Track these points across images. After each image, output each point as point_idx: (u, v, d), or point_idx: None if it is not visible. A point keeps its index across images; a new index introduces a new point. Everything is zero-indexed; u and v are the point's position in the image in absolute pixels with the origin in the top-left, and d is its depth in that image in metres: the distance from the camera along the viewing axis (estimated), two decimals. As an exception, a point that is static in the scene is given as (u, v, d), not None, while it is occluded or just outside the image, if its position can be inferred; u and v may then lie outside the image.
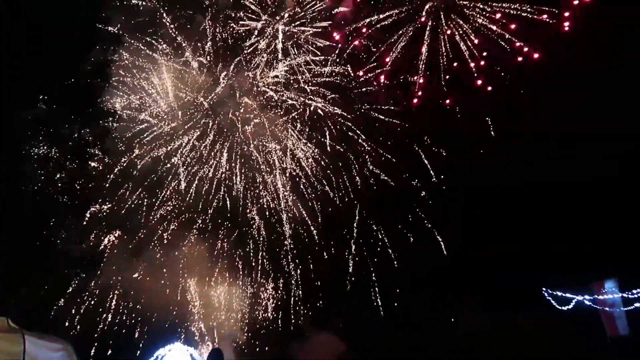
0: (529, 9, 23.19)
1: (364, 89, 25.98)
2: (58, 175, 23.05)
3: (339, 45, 25.03)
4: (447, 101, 25.27)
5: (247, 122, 26.32)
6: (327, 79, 25.87)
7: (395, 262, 26.50)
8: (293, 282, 27.31)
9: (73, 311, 23.63)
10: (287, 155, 26.30)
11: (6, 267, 17.10)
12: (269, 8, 25.20)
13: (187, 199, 26.11)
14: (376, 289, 27.06)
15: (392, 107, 25.73)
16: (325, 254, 26.92)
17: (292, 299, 27.36)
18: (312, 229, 26.60)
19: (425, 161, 25.91)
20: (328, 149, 26.07)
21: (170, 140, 25.90)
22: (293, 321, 27.36)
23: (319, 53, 25.44)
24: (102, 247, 24.94)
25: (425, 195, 26.34)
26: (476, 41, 24.00)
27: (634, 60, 22.11)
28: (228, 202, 26.47)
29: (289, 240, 26.88)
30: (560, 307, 24.56)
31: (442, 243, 26.31)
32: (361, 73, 25.42)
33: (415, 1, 24.09)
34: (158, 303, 25.38)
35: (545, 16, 23.14)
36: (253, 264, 27.28)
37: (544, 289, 24.88)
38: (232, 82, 25.87)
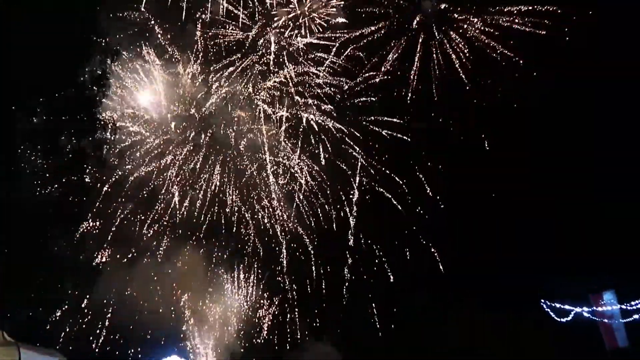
0: (521, 21, 23.95)
1: (356, 101, 26.72)
2: (54, 187, 23.42)
3: (332, 57, 25.79)
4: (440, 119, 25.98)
5: (241, 135, 26.97)
6: (320, 91, 26.61)
7: (391, 275, 27.07)
8: (289, 295, 27.90)
9: (69, 323, 23.98)
10: (279, 166, 26.97)
11: (6, 266, 17.42)
12: (261, 19, 25.92)
13: (181, 213, 26.72)
14: (373, 304, 27.74)
15: (386, 119, 26.38)
16: (320, 263, 27.52)
17: (289, 311, 27.94)
18: (307, 239, 27.23)
19: (419, 173, 26.48)
20: (322, 161, 26.75)
21: (164, 153, 26.53)
22: (290, 332, 27.94)
23: (311, 64, 26.27)
24: (98, 260, 25.34)
25: (421, 210, 26.89)
26: (469, 54, 24.72)
27: (632, 70, 22.76)
28: (222, 217, 27.10)
29: (284, 245, 27.48)
30: (559, 319, 25.03)
31: (438, 259, 26.92)
32: (354, 85, 26.11)
33: (405, 14, 24.80)
34: (154, 316, 25.85)
35: (542, 31, 23.88)
36: (249, 276, 27.90)
37: (542, 300, 25.36)
38: (225, 94, 26.54)
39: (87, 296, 24.29)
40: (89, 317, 24.60)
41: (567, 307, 24.89)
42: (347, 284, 27.41)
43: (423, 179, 26.59)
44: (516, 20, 23.90)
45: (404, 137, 26.44)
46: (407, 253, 27.19)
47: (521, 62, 24.18)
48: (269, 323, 28.00)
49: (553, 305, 25.12)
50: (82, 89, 21.44)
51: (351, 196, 27.00)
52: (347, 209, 27.08)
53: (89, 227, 24.78)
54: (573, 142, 24.92)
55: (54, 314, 23.21)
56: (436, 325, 26.43)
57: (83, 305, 24.24)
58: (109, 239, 25.42)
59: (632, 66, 22.53)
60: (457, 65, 25.00)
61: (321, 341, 27.39)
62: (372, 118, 26.75)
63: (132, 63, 25.90)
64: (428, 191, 26.52)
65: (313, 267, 27.35)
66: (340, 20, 25.47)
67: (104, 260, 25.32)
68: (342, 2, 25.28)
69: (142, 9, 25.34)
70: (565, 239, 24.62)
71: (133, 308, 25.45)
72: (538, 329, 24.96)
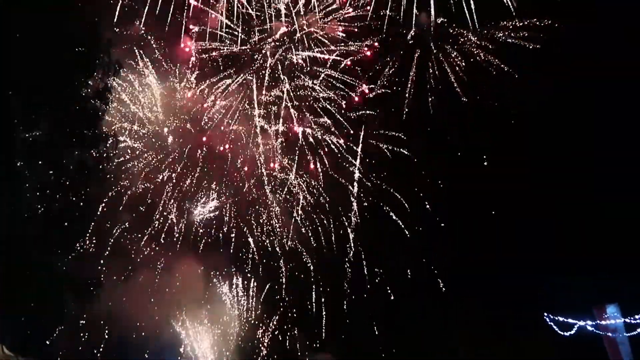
0: (517, 35, 24.67)
1: (354, 114, 27.46)
2: (55, 200, 24.00)
3: (329, 70, 26.59)
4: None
5: (237, 149, 27.77)
6: (317, 104, 27.40)
7: (391, 290, 27.68)
8: (288, 311, 28.62)
9: (68, 337, 24.31)
10: (277, 181, 27.71)
11: (6, 279, 17.97)
12: (258, 34, 26.78)
13: (180, 230, 27.49)
14: (374, 314, 28.31)
15: (383, 132, 27.07)
16: (320, 278, 28.23)
17: (289, 327, 28.60)
18: (306, 254, 27.95)
19: (417, 185, 27.17)
20: (320, 175, 27.48)
21: (160, 168, 27.30)
22: (289, 348, 28.53)
23: (308, 78, 27.06)
24: (97, 274, 25.91)
25: (420, 228, 27.53)
26: (465, 67, 25.43)
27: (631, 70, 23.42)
28: (220, 232, 27.90)
29: (283, 261, 28.21)
30: (562, 333, 25.45)
31: (436, 271, 27.51)
32: (350, 98, 26.87)
33: (401, 28, 25.59)
34: (153, 332, 26.67)
35: (538, 44, 24.59)
36: (248, 292, 28.57)
37: (545, 314, 25.83)
38: (222, 108, 27.36)
39: (86, 310, 24.85)
40: (88, 331, 25.21)
41: (570, 320, 25.26)
42: (347, 298, 28.11)
43: (421, 193, 27.40)
44: (512, 34, 24.67)
45: (402, 150, 27.25)
46: (407, 261, 27.95)
47: (516, 75, 24.90)
48: (269, 339, 28.59)
49: (556, 318, 25.53)
50: (85, 102, 22.14)
51: (349, 213, 27.74)
52: (346, 223, 27.81)
53: (88, 242, 25.37)
54: (573, 146, 25.59)
55: (53, 328, 23.82)
56: (436, 331, 27.06)
57: (82, 320, 24.89)
58: (107, 253, 26.05)
59: (631, 66, 23.25)
60: (453, 79, 25.80)
61: (321, 350, 27.96)
62: (370, 131, 27.52)
63: (129, 77, 26.81)
64: (427, 205, 27.28)
65: (312, 283, 28.09)
66: (337, 34, 26.31)
67: (102, 275, 25.91)
68: (339, 17, 26.22)
69: (140, 23, 26.18)
70: (568, 251, 25.11)
71: (132, 323, 26.23)
72: (539, 333, 25.42)
